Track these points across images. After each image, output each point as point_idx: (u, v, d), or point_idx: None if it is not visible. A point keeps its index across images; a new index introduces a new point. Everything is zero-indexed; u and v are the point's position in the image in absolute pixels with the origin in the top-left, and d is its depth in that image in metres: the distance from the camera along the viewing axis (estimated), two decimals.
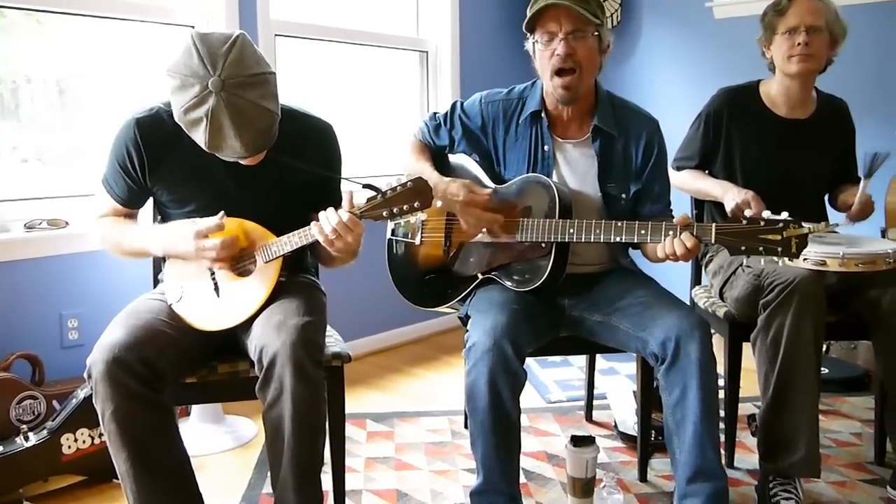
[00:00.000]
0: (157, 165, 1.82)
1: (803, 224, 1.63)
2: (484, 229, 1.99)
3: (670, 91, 3.98)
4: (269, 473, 1.82)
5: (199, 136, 1.63)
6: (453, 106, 2.15)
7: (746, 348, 2.17)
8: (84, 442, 2.22)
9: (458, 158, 2.17)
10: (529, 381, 3.10)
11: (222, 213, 1.74)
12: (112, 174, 1.86)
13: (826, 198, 2.44)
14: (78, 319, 2.54)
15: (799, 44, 2.18)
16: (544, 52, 1.94)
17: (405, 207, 1.68)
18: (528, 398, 2.95)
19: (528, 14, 1.92)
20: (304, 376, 1.63)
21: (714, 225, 1.71)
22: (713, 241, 1.71)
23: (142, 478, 1.65)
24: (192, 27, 2.81)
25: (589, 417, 2.76)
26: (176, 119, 1.65)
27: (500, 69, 3.87)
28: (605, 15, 1.97)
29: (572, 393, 3.00)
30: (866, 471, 2.33)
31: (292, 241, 1.76)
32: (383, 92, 3.79)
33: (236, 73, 1.60)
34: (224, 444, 2.56)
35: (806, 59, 2.20)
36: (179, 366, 1.76)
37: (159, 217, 1.97)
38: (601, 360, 3.30)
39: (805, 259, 1.97)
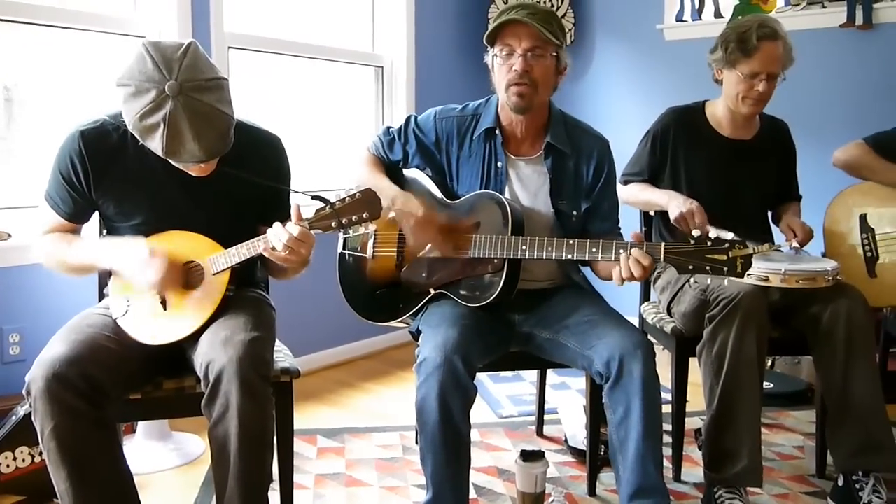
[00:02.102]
0: (103, 178, 1.78)
1: (748, 245, 1.68)
2: (429, 245, 1.99)
3: (621, 109, 4.06)
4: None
5: (156, 143, 1.59)
6: (407, 120, 2.16)
7: (694, 364, 2.21)
8: (23, 461, 2.16)
9: (411, 173, 2.17)
10: (481, 396, 3.12)
11: (165, 248, 1.73)
12: (56, 188, 1.82)
13: (770, 215, 2.51)
14: (19, 334, 2.47)
15: (755, 89, 2.23)
16: (502, 66, 1.96)
17: (354, 218, 1.68)
18: (480, 413, 2.96)
19: (490, 27, 1.94)
20: (251, 392, 1.61)
21: (663, 244, 1.74)
22: (662, 259, 1.74)
23: (81, 497, 1.61)
24: (143, 38, 2.77)
25: (540, 432, 2.78)
26: (130, 128, 1.62)
27: (455, 85, 3.90)
28: (565, 37, 2.00)
29: (524, 408, 3.01)
30: (808, 483, 2.38)
31: (240, 252, 1.74)
32: (339, 106, 3.78)
33: (193, 77, 1.58)
34: (170, 461, 2.50)
35: (758, 104, 2.28)
36: (123, 382, 1.72)
37: (105, 231, 1.93)
38: (553, 375, 3.33)
39: (749, 275, 2.02)
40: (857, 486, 2.09)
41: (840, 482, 2.16)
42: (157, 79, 1.56)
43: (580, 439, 2.54)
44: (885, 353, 2.68)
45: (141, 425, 2.59)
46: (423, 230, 1.97)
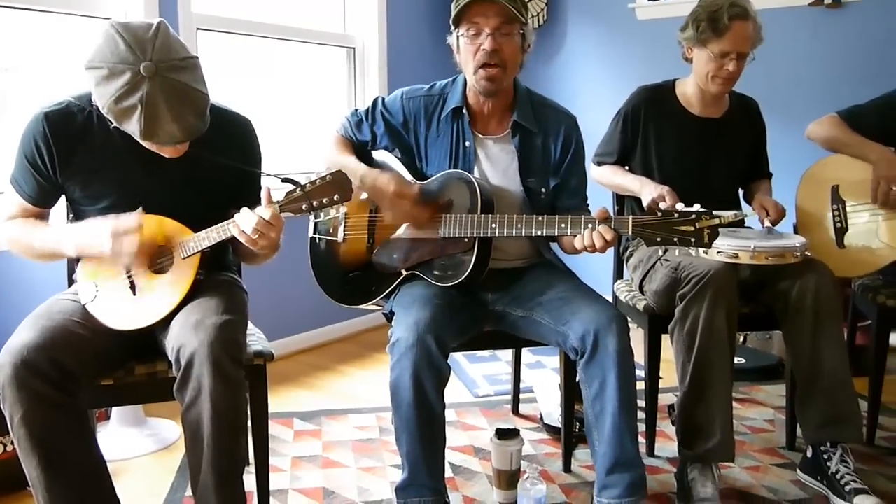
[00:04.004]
0: (69, 160, 1.76)
1: (714, 214, 1.69)
2: (406, 224, 1.99)
3: (594, 88, 4.06)
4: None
5: (133, 125, 1.57)
6: (375, 101, 2.15)
7: (666, 340, 2.23)
8: None
9: (380, 154, 2.16)
10: (457, 376, 3.14)
11: (140, 210, 1.70)
12: (20, 171, 1.79)
13: (742, 193, 2.54)
14: None
15: (725, 68, 2.24)
16: (469, 47, 1.95)
17: (325, 200, 1.67)
18: (456, 393, 2.98)
19: (457, 7, 1.92)
20: (223, 376, 1.61)
21: (631, 217, 1.75)
22: (630, 233, 1.75)
23: (54, 485, 1.60)
24: (108, 19, 2.73)
25: (516, 411, 2.80)
26: (104, 111, 1.59)
27: (427, 65, 3.87)
28: (528, 15, 2.00)
29: (500, 387, 3.03)
30: (778, 455, 2.42)
31: (210, 236, 1.73)
32: (311, 88, 3.75)
33: (167, 56, 1.56)
34: (145, 447, 2.50)
35: (727, 83, 2.29)
36: (94, 368, 1.71)
37: (72, 215, 1.91)
38: (528, 354, 3.35)
39: (719, 252, 2.05)
40: (825, 457, 2.13)
41: (809, 454, 2.20)
42: (130, 60, 1.54)
43: (556, 417, 2.56)
44: (853, 327, 2.73)
45: (115, 411, 2.58)
46: (398, 204, 1.96)
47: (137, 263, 1.74)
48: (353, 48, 3.85)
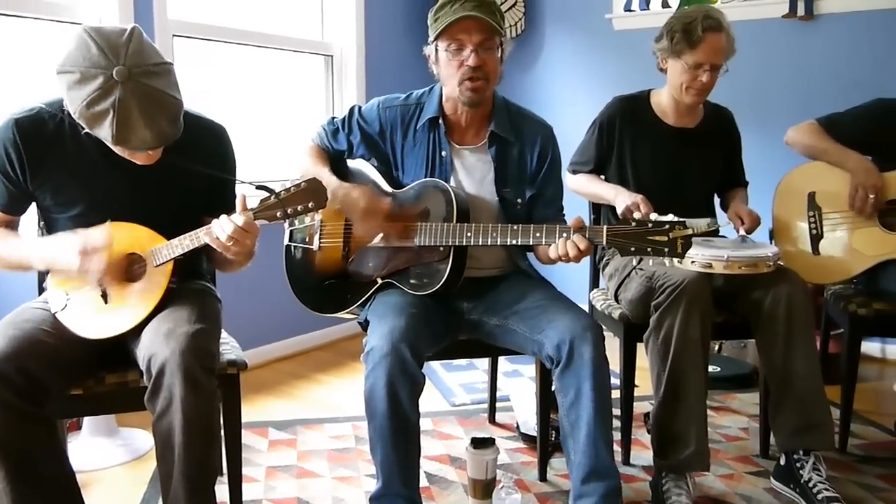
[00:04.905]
0: (40, 167, 1.74)
1: (687, 224, 1.70)
2: (380, 235, 1.99)
3: (571, 97, 4.09)
4: None
5: (105, 131, 1.55)
6: (351, 110, 2.14)
7: (642, 349, 2.24)
8: None
9: (356, 163, 2.16)
10: (434, 385, 3.13)
11: (109, 225, 1.68)
12: None
13: (718, 202, 2.56)
14: None
15: (699, 79, 2.26)
16: (452, 62, 1.95)
17: (300, 208, 1.66)
18: (433, 402, 2.97)
19: (442, 23, 1.91)
20: (195, 385, 1.59)
21: (605, 227, 1.76)
22: (604, 242, 1.76)
23: (21, 496, 1.57)
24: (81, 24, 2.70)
25: (492, 419, 2.79)
26: (76, 116, 1.57)
27: (405, 74, 3.85)
28: (505, 26, 2.01)
29: (477, 395, 3.03)
30: (752, 463, 2.44)
31: (183, 244, 1.71)
32: (288, 96, 3.74)
33: (141, 61, 1.54)
34: (117, 457, 2.46)
35: (701, 94, 2.31)
36: (63, 377, 1.68)
37: (43, 222, 1.88)
38: (505, 363, 3.35)
39: (693, 262, 2.06)
40: (798, 464, 2.14)
41: (782, 461, 2.22)
42: (103, 64, 1.52)
43: (532, 425, 2.56)
44: (825, 336, 2.76)
45: (87, 421, 2.54)
46: (369, 219, 1.96)
47: (107, 281, 1.72)
48: (332, 56, 3.85)
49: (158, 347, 1.62)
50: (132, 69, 1.53)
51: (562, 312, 1.91)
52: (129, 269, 1.76)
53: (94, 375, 1.77)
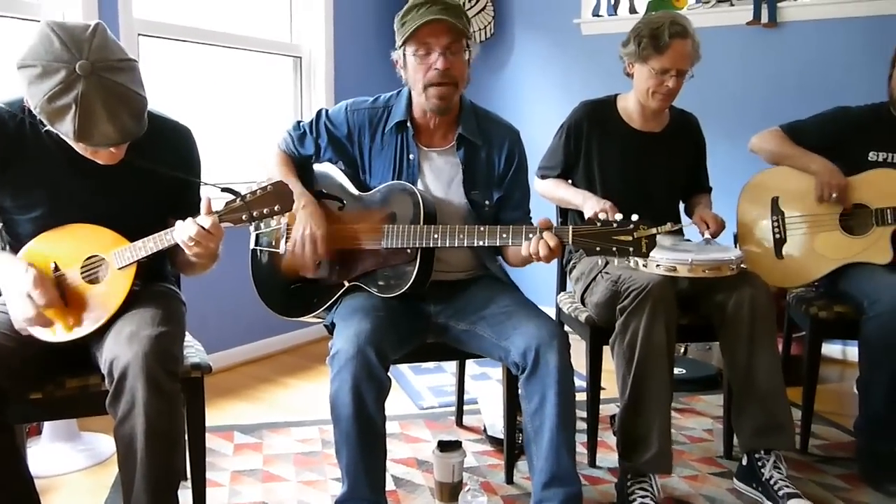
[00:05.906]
0: (0, 168, 1.70)
1: (650, 224, 1.72)
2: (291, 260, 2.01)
3: (540, 101, 4.11)
4: None
5: (66, 126, 1.52)
6: (318, 113, 2.13)
7: (608, 351, 2.26)
8: None
9: (323, 167, 2.15)
10: (402, 388, 3.13)
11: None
12: None
13: (682, 207, 2.59)
14: None
15: (665, 84, 2.29)
16: (420, 66, 1.95)
17: (265, 211, 1.65)
18: (401, 405, 2.96)
19: (409, 27, 1.91)
20: (158, 389, 1.57)
21: (571, 227, 1.78)
22: (570, 242, 1.77)
23: None
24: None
25: (460, 422, 2.79)
26: (37, 111, 1.54)
27: (374, 76, 3.86)
28: (471, 28, 2.01)
29: (445, 399, 3.03)
30: (716, 464, 2.47)
31: (147, 246, 1.69)
32: (256, 97, 3.71)
33: (104, 56, 1.52)
34: (79, 462, 2.42)
35: (666, 99, 2.34)
36: (22, 381, 1.65)
37: (2, 224, 1.84)
38: (473, 366, 3.36)
39: (658, 265, 2.09)
40: (760, 464, 2.18)
41: (744, 461, 2.25)
42: (66, 58, 1.49)
43: (499, 428, 2.56)
44: (788, 338, 2.80)
45: (47, 426, 2.49)
46: (304, 243, 1.97)
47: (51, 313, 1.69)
48: (300, 57, 3.83)
49: (121, 350, 1.59)
50: (95, 64, 1.51)
51: (528, 319, 1.92)
52: (91, 270, 1.73)
53: (55, 379, 1.74)
